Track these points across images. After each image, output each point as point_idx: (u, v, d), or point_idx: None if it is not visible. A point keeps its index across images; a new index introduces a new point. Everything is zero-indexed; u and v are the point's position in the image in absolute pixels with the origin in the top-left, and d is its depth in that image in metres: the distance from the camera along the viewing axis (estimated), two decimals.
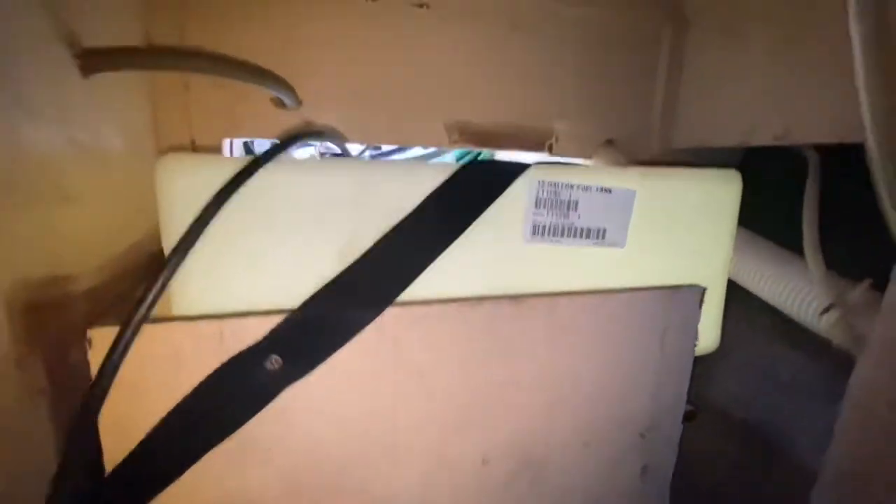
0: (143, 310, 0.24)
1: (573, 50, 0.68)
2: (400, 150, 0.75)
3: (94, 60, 0.35)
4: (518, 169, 0.39)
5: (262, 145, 0.71)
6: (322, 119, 0.61)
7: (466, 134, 0.67)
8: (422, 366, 0.33)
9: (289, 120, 0.59)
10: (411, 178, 0.35)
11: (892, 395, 0.32)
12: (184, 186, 0.30)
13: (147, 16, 0.48)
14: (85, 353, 0.27)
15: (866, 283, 0.38)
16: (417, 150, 0.78)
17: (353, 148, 0.71)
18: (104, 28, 0.39)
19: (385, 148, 0.81)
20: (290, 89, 0.50)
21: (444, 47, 0.63)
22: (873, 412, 0.32)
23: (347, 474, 0.33)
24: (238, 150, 0.63)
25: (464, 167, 0.37)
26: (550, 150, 0.71)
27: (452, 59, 0.63)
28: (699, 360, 0.48)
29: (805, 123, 0.55)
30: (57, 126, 0.32)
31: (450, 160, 0.79)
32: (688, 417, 0.45)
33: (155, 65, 0.41)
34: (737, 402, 0.67)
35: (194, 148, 0.55)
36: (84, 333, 0.28)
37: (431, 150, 0.77)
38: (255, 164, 0.29)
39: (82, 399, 0.24)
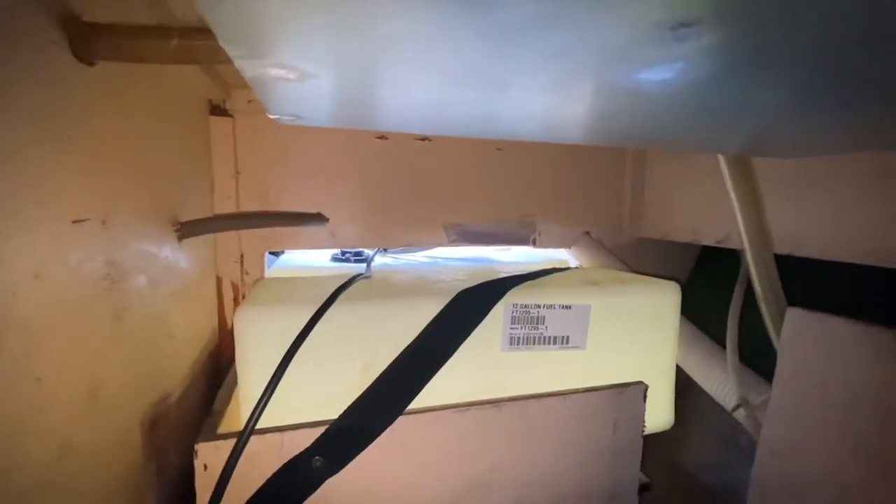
0: (245, 436, 0.36)
1: (552, 164, 0.82)
2: (409, 249, 0.89)
3: (185, 230, 0.49)
4: (498, 294, 0.51)
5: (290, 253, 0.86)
6: (345, 229, 0.74)
7: (462, 234, 0.80)
8: (424, 460, 0.44)
9: (318, 232, 0.73)
10: (414, 308, 0.48)
11: (783, 484, 0.42)
12: (257, 333, 0.42)
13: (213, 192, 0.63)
14: (179, 455, 0.39)
15: (766, 385, 0.49)
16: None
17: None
18: (190, 206, 0.53)
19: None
20: (319, 219, 0.63)
21: (443, 168, 0.77)
22: (768, 498, 0.42)
23: None
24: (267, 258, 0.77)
25: (454, 298, 0.49)
26: (534, 244, 0.84)
27: (449, 176, 0.77)
28: (669, 430, 0.58)
29: (739, 232, 0.67)
30: (167, 286, 0.46)
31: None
32: (643, 489, 0.55)
33: (225, 228, 0.55)
34: (703, 467, 0.76)
35: (242, 261, 0.69)
36: (179, 438, 0.40)
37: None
38: (318, 314, 0.41)
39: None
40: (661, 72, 0.14)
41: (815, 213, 0.54)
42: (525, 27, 0.12)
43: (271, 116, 0.29)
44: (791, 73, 0.16)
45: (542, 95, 0.20)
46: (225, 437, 0.38)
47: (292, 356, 0.39)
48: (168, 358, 0.45)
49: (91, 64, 0.31)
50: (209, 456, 0.38)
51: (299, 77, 0.19)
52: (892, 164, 0.46)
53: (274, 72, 0.18)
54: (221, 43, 0.15)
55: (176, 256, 0.48)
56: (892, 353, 0.34)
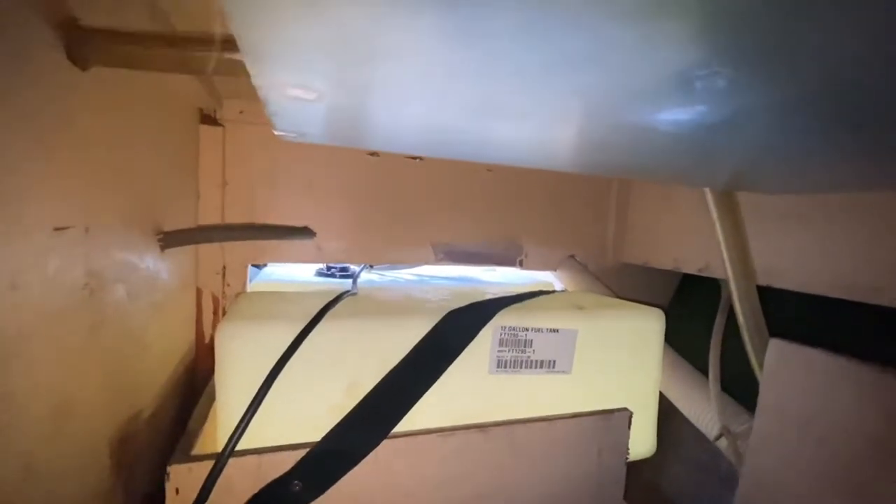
0: (222, 459, 0.34)
1: (540, 188, 0.83)
2: (395, 266, 0.88)
3: (169, 240, 0.47)
4: (486, 316, 0.51)
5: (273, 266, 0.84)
6: (332, 244, 0.73)
7: (450, 254, 0.80)
8: (408, 486, 0.43)
9: (304, 246, 0.72)
10: (402, 328, 0.47)
11: None
12: (240, 349, 0.41)
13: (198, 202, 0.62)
14: (150, 476, 0.37)
15: (747, 415, 0.50)
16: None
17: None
18: (174, 215, 0.52)
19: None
20: (306, 233, 0.62)
21: (432, 187, 0.77)
22: None
23: None
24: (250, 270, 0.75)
25: (443, 318, 0.49)
26: (521, 265, 0.84)
27: (438, 196, 0.78)
28: (650, 457, 0.58)
29: (720, 262, 0.69)
30: (146, 297, 0.44)
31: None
32: None
33: (209, 239, 0.54)
34: (683, 495, 0.76)
35: (224, 273, 0.67)
36: (150, 458, 0.38)
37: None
38: (305, 332, 0.40)
39: None
40: (679, 113, 0.15)
41: (792, 246, 0.56)
42: (558, 65, 0.12)
43: (277, 133, 0.29)
44: (794, 117, 0.16)
45: (550, 128, 0.21)
46: (200, 458, 0.37)
47: (276, 375, 0.38)
48: (143, 373, 0.43)
49: (84, 68, 0.30)
50: (182, 479, 0.36)
51: (317, 98, 0.19)
52: (867, 202, 0.48)
53: (294, 92, 0.18)
54: (247, 62, 0.15)
55: (157, 267, 0.47)
56: (872, 388, 0.35)
